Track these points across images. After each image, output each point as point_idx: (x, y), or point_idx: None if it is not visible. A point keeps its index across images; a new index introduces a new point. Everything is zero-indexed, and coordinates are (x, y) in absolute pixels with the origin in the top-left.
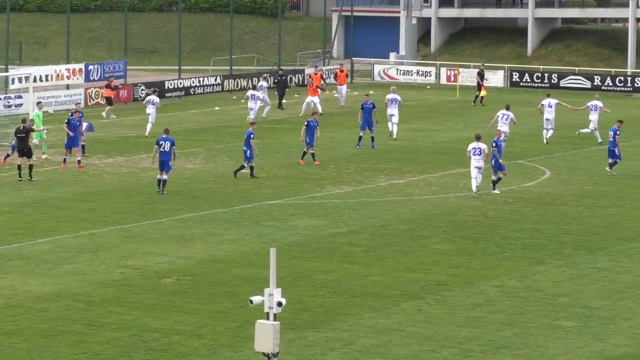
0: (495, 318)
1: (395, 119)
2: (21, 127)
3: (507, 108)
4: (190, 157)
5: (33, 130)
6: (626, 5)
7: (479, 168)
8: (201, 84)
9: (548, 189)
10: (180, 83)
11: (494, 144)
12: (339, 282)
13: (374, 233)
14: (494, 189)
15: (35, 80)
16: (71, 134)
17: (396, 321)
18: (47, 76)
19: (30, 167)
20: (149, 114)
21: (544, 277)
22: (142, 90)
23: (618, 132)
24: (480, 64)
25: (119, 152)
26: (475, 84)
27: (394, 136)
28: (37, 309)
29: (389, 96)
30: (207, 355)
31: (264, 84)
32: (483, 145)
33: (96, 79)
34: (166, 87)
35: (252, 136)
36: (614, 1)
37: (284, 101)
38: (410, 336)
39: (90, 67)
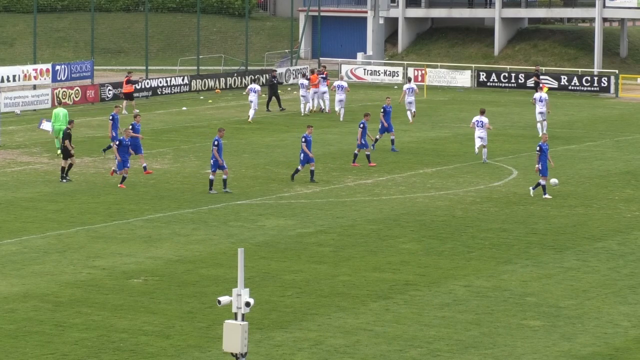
0: (463, 318)
1: (342, 104)
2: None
3: (409, 79)
4: (158, 157)
5: (70, 137)
6: (592, 5)
7: (481, 138)
8: (168, 84)
9: (515, 188)
10: (148, 83)
11: (538, 148)
12: (307, 282)
13: (342, 233)
14: (544, 194)
15: (2, 81)
16: (141, 136)
17: (364, 321)
18: (14, 76)
19: (64, 168)
20: (251, 102)
21: (512, 277)
22: (109, 90)
23: None
24: (535, 66)
25: (87, 153)
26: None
27: (341, 119)
28: (4, 309)
29: (336, 83)
30: (175, 356)
31: (304, 82)
32: (485, 119)
33: (63, 79)
34: (133, 88)
35: (361, 125)
36: (581, 1)
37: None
38: (379, 336)
39: (58, 67)
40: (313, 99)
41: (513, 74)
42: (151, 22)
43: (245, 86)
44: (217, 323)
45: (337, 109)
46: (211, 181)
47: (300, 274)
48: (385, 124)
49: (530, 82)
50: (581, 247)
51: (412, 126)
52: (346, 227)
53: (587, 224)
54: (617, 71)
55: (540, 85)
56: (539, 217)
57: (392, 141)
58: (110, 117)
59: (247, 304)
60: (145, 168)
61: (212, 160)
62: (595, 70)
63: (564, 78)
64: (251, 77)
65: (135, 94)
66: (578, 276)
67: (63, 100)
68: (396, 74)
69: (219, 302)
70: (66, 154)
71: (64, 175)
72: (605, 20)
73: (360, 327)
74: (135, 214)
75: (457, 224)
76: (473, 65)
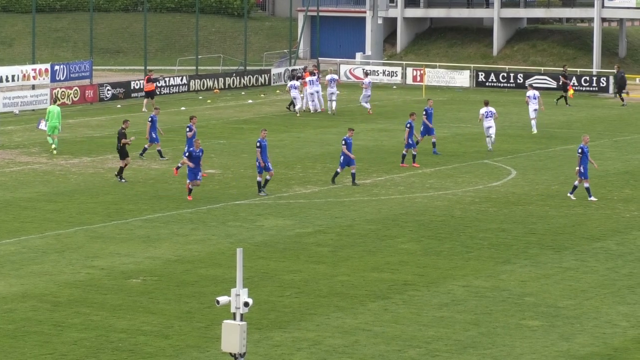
0: (462, 318)
1: (334, 97)
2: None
3: (367, 73)
4: (157, 157)
5: (125, 136)
6: (591, 5)
7: (490, 127)
8: (167, 84)
9: (514, 188)
10: None
11: (580, 150)
12: (305, 282)
13: (340, 233)
14: (590, 196)
15: (1, 81)
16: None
17: (363, 321)
18: (13, 76)
19: (121, 168)
20: (294, 98)
21: (510, 277)
22: (108, 90)
23: None
24: (563, 65)
25: (85, 153)
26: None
27: (334, 112)
28: (2, 309)
29: (328, 77)
30: (173, 356)
31: (313, 78)
32: (493, 109)
33: (62, 79)
34: (132, 88)
35: (408, 125)
36: (579, 1)
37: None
38: (377, 336)
39: (56, 67)
40: (303, 99)
41: (512, 74)
42: (150, 22)
43: (244, 86)
44: (216, 323)
45: (328, 102)
46: (259, 183)
47: (299, 274)
48: (430, 125)
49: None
50: (580, 247)
51: None
52: (345, 227)
53: (586, 224)
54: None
55: (568, 86)
56: (538, 217)
57: (434, 144)
58: (150, 119)
59: (246, 304)
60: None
61: (257, 163)
62: (594, 70)
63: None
64: (289, 74)
65: (134, 94)
66: (576, 276)
67: (62, 100)
68: (395, 74)
69: (218, 302)
70: (123, 153)
71: (119, 175)
72: (604, 20)
73: (359, 327)
74: (133, 214)
75: (455, 224)
76: (472, 65)
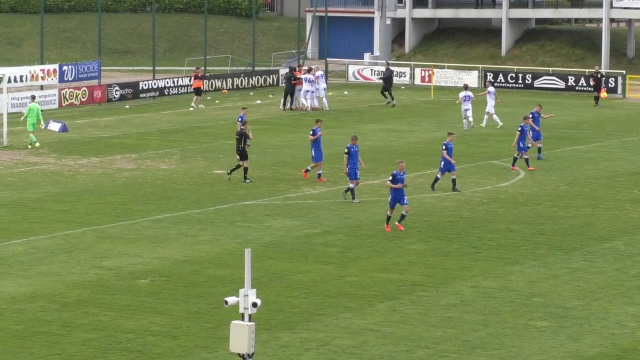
0: (470, 318)
1: (325, 92)
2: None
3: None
4: (165, 157)
5: (248, 137)
6: (599, 5)
7: (467, 110)
8: (175, 84)
9: (522, 189)
10: (155, 84)
11: None
12: (314, 282)
13: (349, 233)
14: None
15: (9, 81)
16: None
17: (371, 321)
18: (21, 77)
19: (245, 169)
20: (306, 91)
21: (519, 278)
22: (117, 91)
23: None
24: (595, 66)
25: (93, 153)
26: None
27: (327, 108)
28: (11, 310)
29: (318, 73)
30: (182, 356)
31: (310, 76)
32: (471, 93)
33: (70, 79)
34: (140, 88)
35: (519, 129)
36: (588, 2)
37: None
38: (386, 336)
39: (65, 67)
40: (297, 98)
41: (520, 75)
42: (158, 22)
43: (253, 87)
44: (224, 323)
45: (323, 100)
46: (351, 190)
47: (307, 274)
48: (537, 128)
49: (539, 83)
50: (588, 248)
51: (418, 127)
52: (353, 228)
53: (595, 224)
54: (624, 72)
55: (601, 87)
56: (546, 218)
57: (539, 149)
58: (239, 119)
59: (254, 305)
60: (319, 175)
61: (347, 168)
62: (603, 70)
63: (571, 79)
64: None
65: (142, 95)
66: (585, 277)
67: (70, 100)
68: (403, 75)
69: (226, 302)
70: (244, 155)
71: (245, 176)
72: (612, 20)
73: (367, 327)
74: (142, 214)
75: (464, 224)
76: (480, 66)
